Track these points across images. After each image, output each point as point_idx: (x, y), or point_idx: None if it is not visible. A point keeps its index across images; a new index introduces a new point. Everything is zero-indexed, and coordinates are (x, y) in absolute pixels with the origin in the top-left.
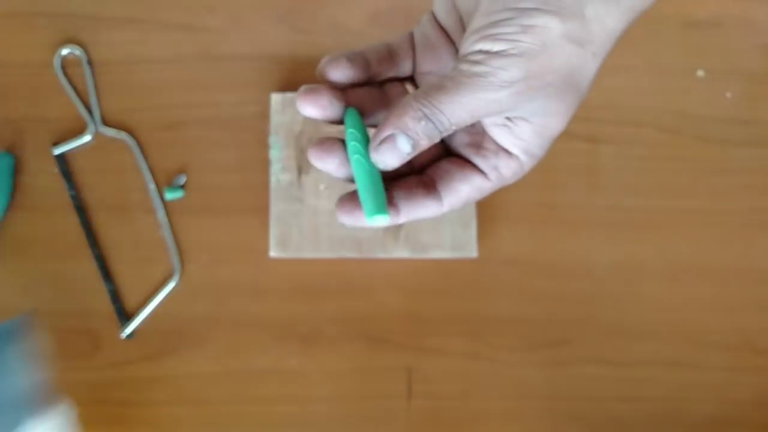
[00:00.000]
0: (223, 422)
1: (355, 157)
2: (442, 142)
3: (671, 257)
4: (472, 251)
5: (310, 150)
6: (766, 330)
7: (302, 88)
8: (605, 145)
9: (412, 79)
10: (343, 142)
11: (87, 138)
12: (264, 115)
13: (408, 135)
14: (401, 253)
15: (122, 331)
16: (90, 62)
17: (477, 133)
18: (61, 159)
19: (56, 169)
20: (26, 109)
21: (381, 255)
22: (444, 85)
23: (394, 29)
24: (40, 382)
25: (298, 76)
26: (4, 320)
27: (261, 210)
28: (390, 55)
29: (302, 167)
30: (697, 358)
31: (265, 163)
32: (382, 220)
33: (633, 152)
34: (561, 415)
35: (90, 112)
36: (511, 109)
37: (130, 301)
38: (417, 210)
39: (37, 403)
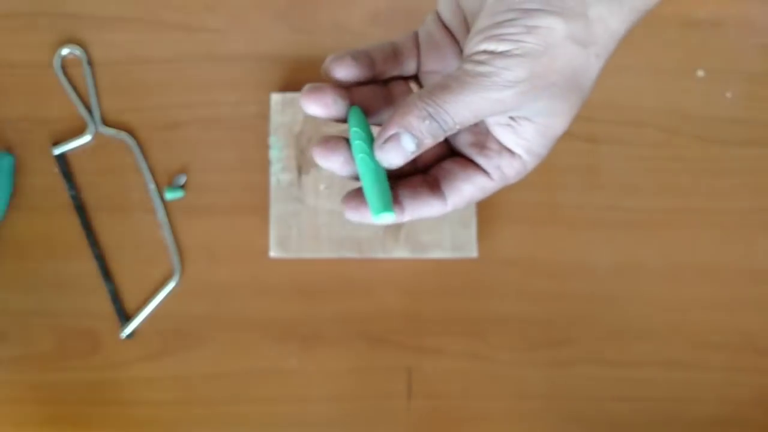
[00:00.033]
0: (223, 422)
1: (359, 156)
2: (446, 142)
3: (671, 257)
4: (472, 251)
5: (315, 149)
6: (766, 330)
7: (306, 86)
8: (605, 145)
9: (416, 78)
10: (347, 140)
11: (87, 138)
12: (264, 115)
13: (412, 134)
14: (401, 253)
15: (122, 331)
16: (90, 62)
17: (480, 133)
18: (61, 159)
19: (56, 169)
20: (26, 109)
21: (381, 255)
22: (448, 84)
23: (394, 29)
24: None
25: (298, 76)
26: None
27: (261, 210)
28: (395, 53)
29: (302, 167)
30: (697, 358)
31: (265, 163)
32: (388, 218)
33: (633, 152)
34: (561, 415)
35: (90, 112)
36: (514, 109)
37: (130, 301)
38: (422, 209)
39: None
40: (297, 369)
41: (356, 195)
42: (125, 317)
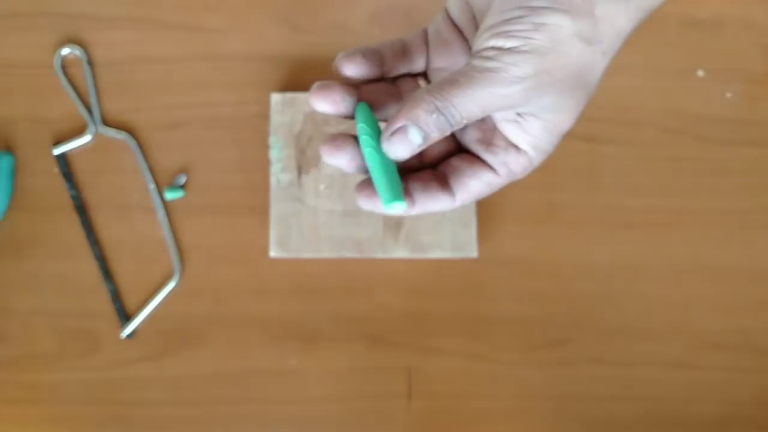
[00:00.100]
0: (223, 422)
1: (367, 150)
2: (454, 138)
3: (671, 257)
4: (472, 251)
5: (322, 146)
6: (766, 330)
7: (315, 84)
8: (605, 145)
9: (425, 75)
10: (353, 137)
11: (87, 138)
12: (264, 115)
13: (420, 127)
14: (401, 253)
15: (122, 331)
16: (90, 62)
17: (487, 129)
18: (61, 159)
19: (56, 169)
20: (26, 109)
21: (381, 255)
22: (457, 79)
23: (394, 29)
24: None
25: (298, 76)
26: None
27: (261, 210)
28: (404, 51)
29: (302, 167)
30: (697, 358)
31: (265, 163)
32: (399, 208)
33: (633, 152)
34: (561, 415)
35: (90, 112)
36: (521, 105)
37: (130, 301)
38: (431, 203)
39: None
40: (297, 369)
41: (369, 183)
42: (125, 317)
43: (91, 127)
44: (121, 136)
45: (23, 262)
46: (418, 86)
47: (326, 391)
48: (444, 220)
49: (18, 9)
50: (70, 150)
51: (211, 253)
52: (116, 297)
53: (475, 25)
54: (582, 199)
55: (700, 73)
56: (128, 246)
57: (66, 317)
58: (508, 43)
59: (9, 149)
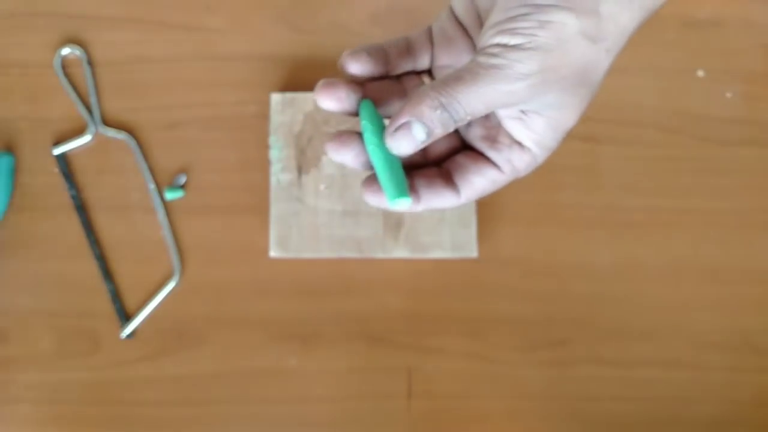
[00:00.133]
0: (223, 422)
1: (371, 146)
2: (458, 136)
3: (671, 257)
4: (472, 251)
5: (327, 143)
6: (766, 330)
7: (321, 81)
8: (605, 145)
9: (429, 72)
10: (358, 134)
11: (87, 138)
12: (264, 115)
13: (423, 123)
14: (401, 253)
15: (122, 331)
16: (90, 62)
17: (492, 126)
18: (61, 159)
19: (56, 169)
20: (26, 109)
21: (381, 255)
22: (461, 76)
23: (394, 29)
24: None
25: (298, 76)
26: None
27: (261, 210)
28: (408, 48)
29: (302, 167)
30: (697, 358)
31: (265, 163)
32: (404, 203)
33: (633, 152)
34: (561, 415)
35: (90, 112)
36: (525, 102)
37: (130, 301)
38: (436, 199)
39: None
40: (297, 369)
41: (375, 179)
42: (125, 317)
43: (91, 127)
44: (121, 136)
45: (23, 262)
46: (423, 84)
47: (326, 391)
48: (444, 220)
49: (18, 9)
50: (70, 150)
51: (211, 253)
52: (116, 297)
53: (480, 22)
54: (582, 199)
55: (700, 73)
56: (128, 246)
57: (66, 317)
58: (513, 41)
59: (9, 149)
